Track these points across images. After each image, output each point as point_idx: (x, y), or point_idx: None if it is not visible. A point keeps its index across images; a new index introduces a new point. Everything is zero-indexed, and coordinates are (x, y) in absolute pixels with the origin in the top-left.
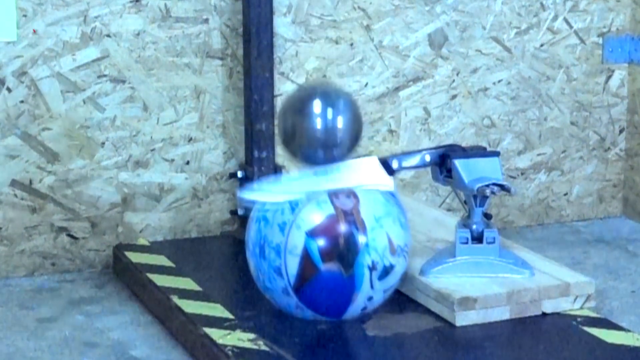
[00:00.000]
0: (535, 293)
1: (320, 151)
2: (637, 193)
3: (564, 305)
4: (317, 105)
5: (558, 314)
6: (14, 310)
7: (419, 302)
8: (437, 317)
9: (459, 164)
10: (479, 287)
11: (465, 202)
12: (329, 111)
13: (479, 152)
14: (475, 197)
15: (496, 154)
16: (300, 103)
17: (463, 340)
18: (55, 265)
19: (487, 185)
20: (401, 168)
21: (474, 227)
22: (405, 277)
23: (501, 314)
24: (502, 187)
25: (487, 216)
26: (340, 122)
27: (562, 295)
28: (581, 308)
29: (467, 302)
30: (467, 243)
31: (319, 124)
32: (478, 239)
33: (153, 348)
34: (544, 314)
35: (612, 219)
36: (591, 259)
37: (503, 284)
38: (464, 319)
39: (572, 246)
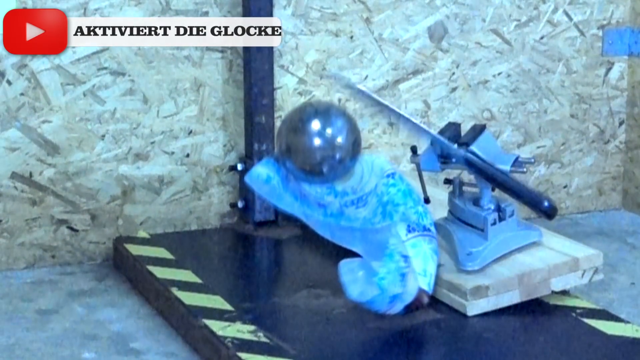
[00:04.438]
0: (545, 273)
1: (324, 166)
2: (636, 185)
3: (572, 281)
4: (315, 124)
5: (557, 305)
6: (14, 302)
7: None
8: (438, 308)
9: (475, 146)
10: (489, 273)
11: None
12: (327, 130)
13: (473, 130)
14: None
15: (484, 127)
16: (298, 122)
17: (463, 331)
18: (55, 258)
19: (520, 161)
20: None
21: (491, 206)
22: None
23: (511, 298)
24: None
25: None
26: (338, 140)
27: (571, 271)
28: (589, 282)
29: (480, 291)
30: (495, 224)
31: (317, 141)
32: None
33: (153, 340)
34: (547, 304)
35: (611, 211)
36: None
37: (512, 267)
38: (475, 308)
39: (572, 238)
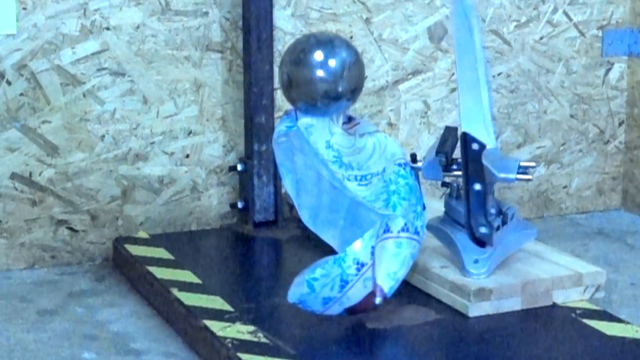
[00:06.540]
0: (549, 283)
1: (322, 101)
2: (636, 186)
3: (574, 295)
4: (317, 55)
5: (557, 306)
6: (14, 302)
7: (427, 293)
8: (437, 309)
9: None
10: (492, 278)
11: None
12: (330, 60)
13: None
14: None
15: None
16: (300, 53)
17: (462, 332)
18: (55, 258)
19: (523, 166)
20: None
21: (492, 210)
22: (416, 269)
23: (513, 304)
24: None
25: None
26: (341, 71)
27: (574, 285)
28: (590, 298)
29: (483, 293)
30: (499, 229)
31: (319, 73)
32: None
33: (153, 340)
34: (547, 304)
35: (611, 211)
36: (590, 252)
37: (516, 275)
38: (477, 310)
39: (572, 239)
